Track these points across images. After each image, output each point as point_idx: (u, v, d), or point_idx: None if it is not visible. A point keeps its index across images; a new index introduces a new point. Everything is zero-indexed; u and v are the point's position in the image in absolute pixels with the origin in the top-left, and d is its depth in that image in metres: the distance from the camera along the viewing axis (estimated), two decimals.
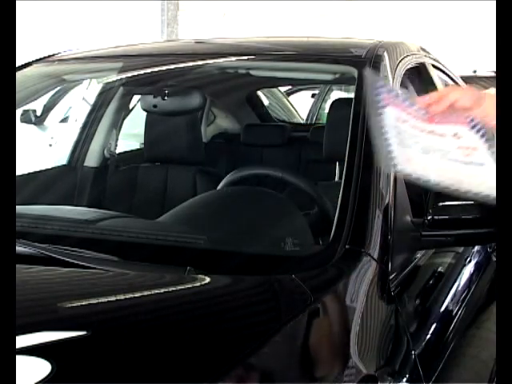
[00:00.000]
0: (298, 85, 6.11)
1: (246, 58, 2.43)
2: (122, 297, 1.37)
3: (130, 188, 2.96)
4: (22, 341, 1.12)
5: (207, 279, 1.42)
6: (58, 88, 4.33)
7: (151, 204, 2.90)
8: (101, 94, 3.17)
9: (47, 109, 7.29)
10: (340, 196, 1.66)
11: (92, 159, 3.08)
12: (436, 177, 1.45)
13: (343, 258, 1.55)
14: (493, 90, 1.42)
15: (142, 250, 1.63)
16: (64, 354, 1.14)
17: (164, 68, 2.41)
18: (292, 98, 6.54)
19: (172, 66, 2.44)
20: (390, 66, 2.06)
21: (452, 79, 2.99)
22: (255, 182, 2.77)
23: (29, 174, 2.82)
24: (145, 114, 2.93)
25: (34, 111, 7.15)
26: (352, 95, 2.01)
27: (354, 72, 2.05)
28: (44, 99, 6.59)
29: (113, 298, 1.36)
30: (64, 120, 7.05)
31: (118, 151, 3.17)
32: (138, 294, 1.40)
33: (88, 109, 3.29)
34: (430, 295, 1.91)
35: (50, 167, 3.09)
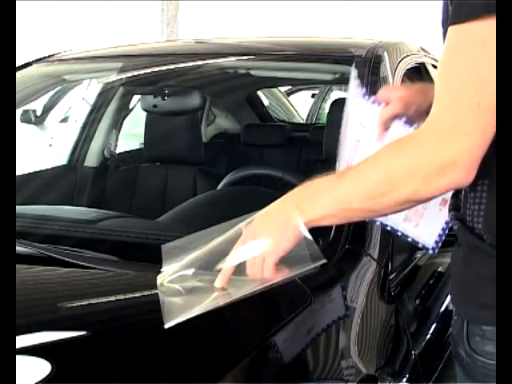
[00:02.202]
0: (297, 85, 6.10)
1: (246, 58, 2.43)
2: (121, 297, 1.37)
3: (129, 188, 2.97)
4: (22, 341, 1.12)
5: None
6: (58, 88, 4.33)
7: (151, 204, 2.90)
8: (101, 93, 3.17)
9: (47, 109, 7.29)
10: None
11: (92, 159, 3.08)
12: None
13: (343, 258, 1.55)
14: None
15: (141, 249, 1.63)
16: (64, 353, 1.14)
17: (164, 68, 2.41)
18: (292, 97, 6.54)
19: (172, 66, 2.44)
20: (390, 66, 2.06)
21: None
22: (255, 181, 2.78)
23: (29, 173, 2.82)
24: (145, 113, 2.93)
25: (34, 111, 7.15)
26: None
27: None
28: (44, 99, 6.59)
29: (113, 298, 1.36)
30: (64, 120, 7.05)
31: (118, 151, 3.17)
32: (137, 294, 1.40)
33: (88, 109, 3.29)
34: (429, 295, 1.91)
35: (50, 167, 3.09)
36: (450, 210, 1.27)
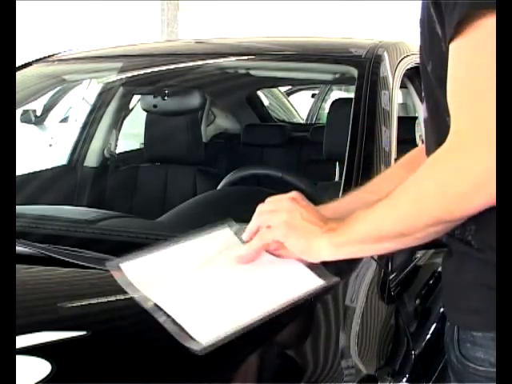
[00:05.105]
0: (298, 85, 6.11)
1: (245, 58, 2.43)
2: (121, 297, 1.37)
3: (130, 188, 2.97)
4: (22, 341, 1.12)
5: None
6: (58, 88, 4.33)
7: (151, 204, 2.90)
8: (101, 93, 3.17)
9: (47, 109, 7.30)
10: (340, 196, 1.66)
11: (92, 159, 3.08)
12: None
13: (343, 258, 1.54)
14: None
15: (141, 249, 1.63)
16: (64, 353, 1.14)
17: (164, 68, 2.41)
18: (292, 97, 6.54)
19: (172, 66, 2.44)
20: (389, 66, 2.06)
21: None
22: (255, 182, 2.78)
23: (29, 173, 2.82)
24: (145, 113, 2.93)
25: (34, 111, 7.15)
26: (352, 95, 2.01)
27: (354, 72, 2.05)
28: (44, 99, 6.59)
29: (113, 298, 1.36)
30: (64, 120, 7.05)
31: (118, 151, 3.17)
32: None
33: (88, 109, 3.29)
34: (429, 295, 1.91)
35: (50, 167, 3.09)
36: None
